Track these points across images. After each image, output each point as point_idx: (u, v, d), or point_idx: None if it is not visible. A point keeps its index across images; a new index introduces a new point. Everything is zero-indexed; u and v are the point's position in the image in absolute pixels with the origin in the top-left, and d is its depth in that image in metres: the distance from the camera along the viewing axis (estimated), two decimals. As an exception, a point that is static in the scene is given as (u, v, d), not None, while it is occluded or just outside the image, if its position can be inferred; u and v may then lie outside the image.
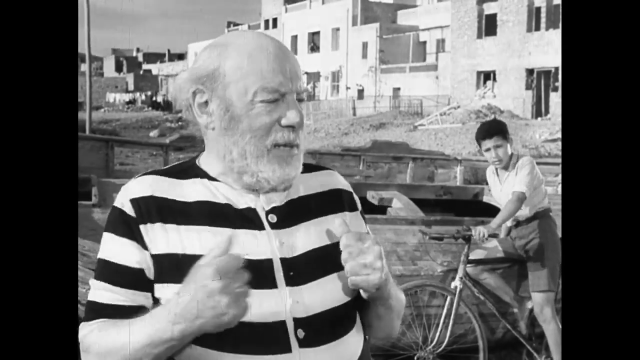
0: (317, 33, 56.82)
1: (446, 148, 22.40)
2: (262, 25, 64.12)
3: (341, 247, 1.40)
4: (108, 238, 1.44)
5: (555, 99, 34.80)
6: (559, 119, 31.52)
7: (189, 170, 1.51)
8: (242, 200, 1.47)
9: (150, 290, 1.41)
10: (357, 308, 1.57)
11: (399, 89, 46.75)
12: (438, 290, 4.78)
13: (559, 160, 10.61)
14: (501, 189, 4.78)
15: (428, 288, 4.80)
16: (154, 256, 1.41)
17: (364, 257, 1.39)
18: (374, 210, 5.77)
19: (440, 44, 47.43)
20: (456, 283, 4.68)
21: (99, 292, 1.42)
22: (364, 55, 50.73)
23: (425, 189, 6.92)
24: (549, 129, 25.52)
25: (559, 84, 34.86)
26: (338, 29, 53.93)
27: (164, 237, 1.42)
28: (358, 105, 47.62)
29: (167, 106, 51.93)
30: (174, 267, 1.39)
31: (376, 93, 48.37)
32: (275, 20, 62.23)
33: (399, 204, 5.80)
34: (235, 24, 75.25)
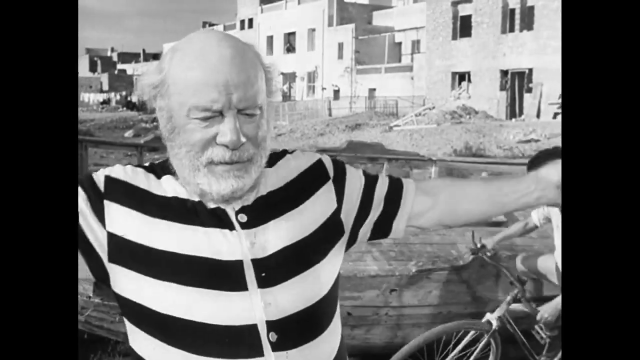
0: (293, 33, 56.79)
1: (421, 149, 22.50)
2: (238, 25, 63.94)
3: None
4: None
5: (530, 100, 35.10)
6: (533, 120, 31.81)
7: (164, 169, 1.48)
8: (211, 202, 1.44)
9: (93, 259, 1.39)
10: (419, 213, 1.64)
11: (374, 89, 46.88)
12: (474, 328, 4.52)
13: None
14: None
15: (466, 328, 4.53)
16: (110, 235, 1.37)
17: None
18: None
19: (416, 45, 47.66)
20: (494, 321, 4.41)
21: None
22: (340, 56, 50.81)
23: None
24: (523, 130, 25.74)
25: (532, 85, 35.16)
26: (314, 30, 53.96)
27: (130, 223, 1.39)
28: (334, 106, 47.69)
29: (142, 106, 51.63)
30: (136, 256, 1.37)
31: (352, 94, 48.46)
32: (251, 20, 62.09)
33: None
34: (211, 24, 75.01)
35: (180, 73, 1.36)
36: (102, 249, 1.37)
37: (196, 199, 1.43)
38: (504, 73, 36.94)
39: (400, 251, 5.19)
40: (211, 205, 1.42)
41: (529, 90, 35.44)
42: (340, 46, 50.80)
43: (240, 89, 1.35)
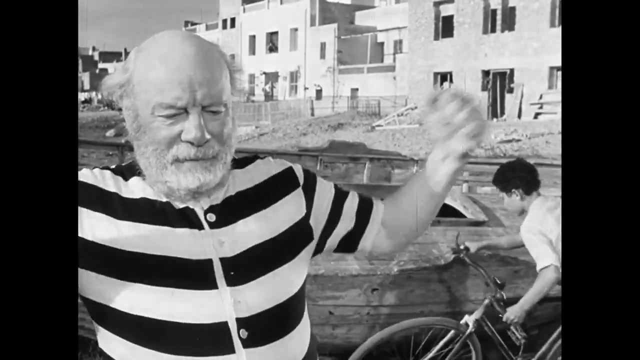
0: (275, 33, 56.74)
1: (403, 149, 22.56)
2: (220, 25, 63.81)
3: (447, 101, 1.46)
4: None
5: (511, 100, 35.29)
6: (514, 120, 32.01)
7: (132, 170, 1.49)
8: (179, 202, 1.45)
9: None
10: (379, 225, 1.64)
11: (357, 89, 46.96)
12: (448, 327, 4.53)
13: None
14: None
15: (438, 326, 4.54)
16: (82, 241, 1.37)
17: (472, 103, 1.47)
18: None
19: (398, 45, 47.77)
20: (471, 323, 4.39)
21: None
22: (322, 56, 50.84)
23: (382, 189, 6.97)
24: (504, 130, 25.90)
25: (513, 85, 35.37)
26: (296, 29, 53.95)
27: (99, 227, 1.39)
28: (316, 106, 47.70)
29: (112, 104, 51.51)
30: (106, 259, 1.37)
31: (334, 93, 48.51)
32: (233, 20, 61.96)
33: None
34: (193, 23, 74.74)
35: (145, 72, 1.38)
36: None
37: (164, 199, 1.44)
38: (486, 73, 37.15)
39: (381, 252, 5.21)
40: (179, 205, 1.44)
41: (510, 90, 35.68)
42: (323, 46, 50.83)
43: (204, 86, 1.36)
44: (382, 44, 50.03)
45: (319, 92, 50.34)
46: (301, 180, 1.60)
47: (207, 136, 1.38)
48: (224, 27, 63.13)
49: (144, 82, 1.38)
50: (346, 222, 1.62)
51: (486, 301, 4.34)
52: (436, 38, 40.33)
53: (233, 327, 1.38)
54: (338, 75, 48.83)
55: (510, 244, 4.78)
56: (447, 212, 6.35)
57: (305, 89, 51.57)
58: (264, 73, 56.53)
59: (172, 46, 1.38)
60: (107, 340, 1.43)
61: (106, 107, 55.78)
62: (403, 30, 45.34)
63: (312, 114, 45.89)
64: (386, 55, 49.16)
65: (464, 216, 6.17)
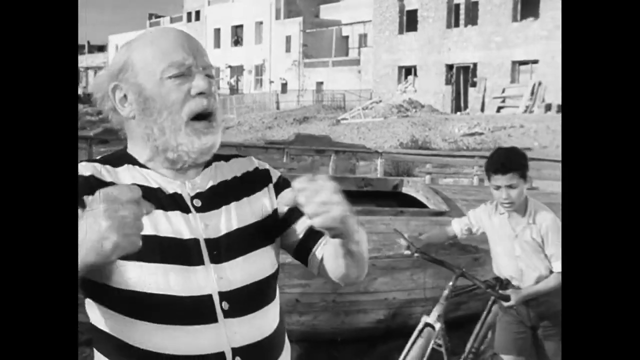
0: (240, 26, 56.55)
1: (368, 142, 22.72)
2: (185, 17, 63.37)
3: (297, 194, 1.37)
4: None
5: (474, 94, 35.66)
6: (478, 113, 32.34)
7: (122, 158, 1.62)
8: (169, 187, 1.59)
9: None
10: (321, 258, 1.68)
11: (322, 83, 47.04)
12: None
13: (477, 153, 10.98)
14: (515, 237, 3.82)
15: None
16: None
17: (320, 195, 1.37)
18: (298, 202, 5.94)
19: (363, 39, 47.93)
20: (437, 325, 4.13)
21: None
22: (288, 49, 50.81)
23: (347, 180, 7.10)
24: (467, 123, 26.19)
25: (477, 79, 35.73)
26: (261, 23, 53.83)
27: None
28: (281, 99, 47.69)
29: (87, 99, 50.80)
30: None
31: (299, 87, 48.55)
32: (198, 12, 61.58)
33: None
34: (157, 16, 74.11)
35: (146, 49, 1.57)
36: None
37: (155, 185, 1.58)
38: (449, 67, 37.48)
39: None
40: (169, 190, 1.59)
41: (474, 84, 36.01)
42: (288, 39, 50.80)
43: (200, 53, 1.59)
44: (347, 37, 50.15)
45: (284, 86, 50.33)
46: (274, 179, 1.75)
47: (213, 89, 1.58)
48: (189, 20, 62.70)
49: (148, 56, 1.56)
50: (296, 232, 1.71)
51: (445, 292, 4.21)
52: (400, 32, 40.56)
53: (216, 299, 1.53)
54: (303, 68, 48.85)
55: (443, 237, 4.57)
56: (410, 203, 6.53)
57: (271, 82, 51.52)
58: (229, 66, 56.31)
59: (161, 29, 1.62)
60: (100, 315, 1.55)
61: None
62: (368, 24, 45.52)
63: (278, 108, 45.88)
64: (351, 49, 49.31)
65: (426, 207, 6.34)
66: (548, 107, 31.00)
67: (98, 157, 1.67)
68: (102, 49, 78.02)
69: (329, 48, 48.73)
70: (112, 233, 1.23)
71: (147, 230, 1.48)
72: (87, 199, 1.48)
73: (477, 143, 22.18)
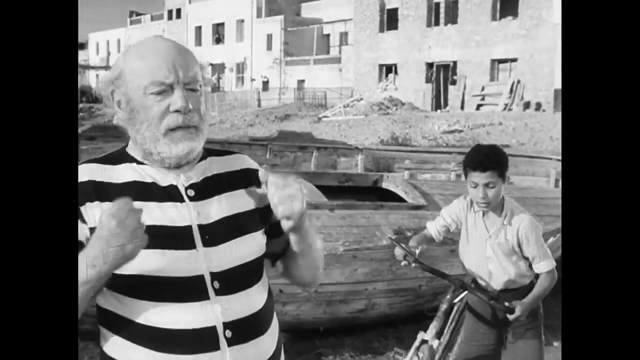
0: (222, 24, 56.47)
1: (349, 139, 22.84)
2: (166, 15, 63.17)
3: (268, 185, 1.67)
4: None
5: (454, 92, 35.91)
6: (457, 111, 32.59)
7: (121, 157, 1.81)
8: (165, 179, 1.78)
9: None
10: (282, 258, 1.92)
11: (303, 81, 47.15)
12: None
13: (456, 150, 11.17)
14: (489, 238, 3.63)
15: None
16: (92, 229, 1.65)
17: (288, 189, 1.66)
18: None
19: (344, 37, 48.06)
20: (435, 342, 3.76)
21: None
22: (269, 47, 50.85)
23: (329, 176, 7.27)
24: (447, 121, 26.42)
25: (457, 77, 35.99)
26: (242, 21, 53.82)
27: (99, 213, 1.65)
28: (263, 97, 47.76)
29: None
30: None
31: (281, 85, 48.63)
32: (179, 10, 61.40)
33: (304, 190, 6.16)
34: (138, 14, 73.77)
35: (136, 63, 1.73)
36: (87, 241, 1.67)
37: (149, 180, 1.77)
38: (430, 65, 37.69)
39: (328, 233, 5.54)
40: (164, 184, 1.77)
41: (454, 82, 36.25)
42: (269, 37, 50.84)
43: (184, 68, 1.73)
44: (328, 35, 50.25)
45: (265, 84, 50.35)
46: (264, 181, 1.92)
47: (190, 106, 1.72)
48: (170, 17, 62.53)
49: (136, 69, 1.72)
50: (275, 245, 1.92)
51: (443, 307, 3.84)
52: (381, 30, 40.72)
53: (208, 279, 1.71)
54: (284, 66, 48.94)
55: (423, 240, 3.99)
56: (389, 197, 6.73)
57: (252, 80, 51.54)
58: (211, 64, 56.17)
59: (156, 42, 1.77)
60: (106, 298, 1.73)
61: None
62: (349, 22, 45.64)
63: (259, 105, 45.91)
64: (332, 47, 49.40)
65: (405, 201, 6.54)
66: (527, 105, 31.32)
67: (99, 156, 1.86)
68: (82, 46, 77.51)
69: (310, 46, 48.83)
70: (129, 241, 1.53)
71: (145, 221, 1.65)
72: (85, 208, 1.69)
73: (456, 140, 22.38)
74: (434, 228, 3.96)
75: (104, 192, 1.73)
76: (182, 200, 1.76)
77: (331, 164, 10.98)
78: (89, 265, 1.55)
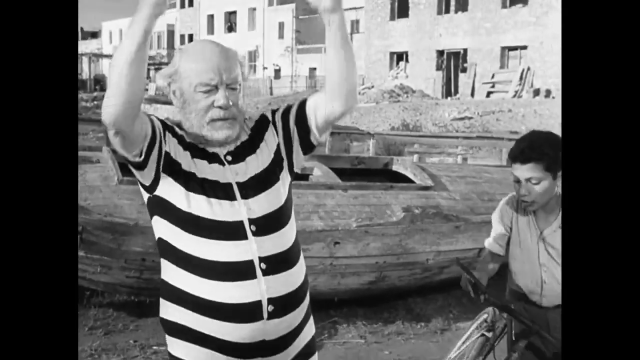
0: (234, 13, 56.54)
1: (361, 126, 23.02)
2: (178, 3, 63.24)
3: None
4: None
5: (464, 80, 35.94)
6: (468, 99, 32.65)
7: (179, 127, 2.28)
8: (210, 149, 2.25)
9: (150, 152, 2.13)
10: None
11: (315, 69, 47.30)
12: None
13: (462, 135, 11.48)
14: (542, 242, 3.08)
15: None
16: (167, 153, 2.15)
17: None
18: (298, 178, 6.51)
19: (355, 25, 47.99)
20: None
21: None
22: (281, 36, 50.97)
23: (342, 159, 7.57)
24: (457, 108, 26.55)
25: (467, 65, 36.03)
26: (254, 9, 53.91)
27: (175, 149, 2.18)
28: (275, 85, 47.95)
29: (82, 85, 50.83)
30: (175, 171, 2.16)
31: (293, 73, 48.80)
32: (191, -1, 61.64)
33: (319, 172, 6.56)
34: (150, 2, 73.57)
35: (189, 64, 2.18)
36: (162, 159, 2.17)
37: (201, 146, 2.24)
38: (440, 53, 37.56)
39: (342, 211, 5.97)
40: (210, 150, 2.24)
41: (464, 70, 36.12)
42: (281, 26, 50.95)
43: (227, 71, 2.16)
44: (339, 23, 50.21)
45: (277, 72, 50.53)
46: (270, 118, 2.37)
47: (230, 103, 2.17)
48: (182, 6, 62.57)
49: (188, 70, 2.17)
50: (295, 136, 2.34)
51: (515, 356, 3.14)
52: (392, 18, 40.51)
53: (246, 224, 2.17)
54: (296, 54, 49.07)
55: (491, 260, 3.34)
56: (399, 178, 7.14)
57: (264, 68, 51.72)
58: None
59: (204, 47, 2.22)
60: (164, 229, 2.21)
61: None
62: (360, 10, 45.65)
63: (271, 93, 46.08)
64: (343, 35, 49.36)
65: (414, 182, 6.96)
66: (536, 92, 31.40)
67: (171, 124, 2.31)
68: (95, 35, 77.77)
69: (322, 34, 47.70)
70: None
71: (201, 174, 2.18)
72: (168, 135, 2.18)
73: (466, 127, 22.58)
74: (493, 243, 3.27)
75: (179, 138, 2.22)
76: (223, 164, 2.22)
77: (344, 148, 11.27)
78: (139, 10, 1.94)
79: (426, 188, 6.71)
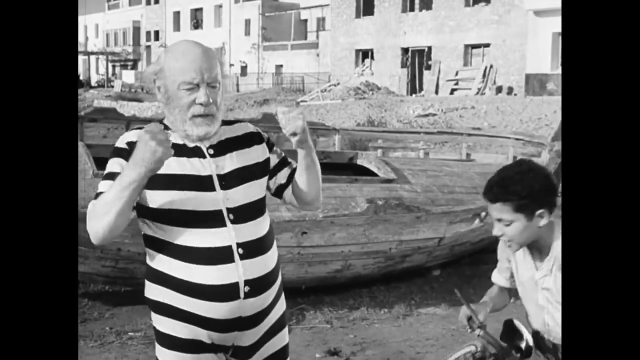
0: (200, 9, 56.29)
1: (327, 122, 23.06)
2: (144, 0, 62.87)
3: (278, 114, 2.35)
4: (111, 161, 2.34)
5: (429, 77, 36.28)
6: (432, 96, 32.90)
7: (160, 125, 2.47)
8: (191, 143, 2.42)
9: None
10: (287, 187, 2.54)
11: (281, 66, 47.22)
12: None
13: (424, 130, 11.77)
14: (536, 283, 2.73)
15: None
16: None
17: (292, 113, 2.33)
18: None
19: (321, 23, 48.01)
20: None
21: (100, 185, 2.29)
22: (247, 33, 50.79)
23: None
24: (422, 105, 26.75)
25: (431, 62, 36.37)
26: (220, 6, 53.63)
27: None
28: (241, 82, 47.86)
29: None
30: (148, 182, 2.22)
31: (259, 70, 48.74)
32: (157, -5, 61.18)
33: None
34: (115, -2, 73.14)
35: (173, 63, 2.33)
36: None
37: (181, 142, 2.42)
38: (405, 51, 37.75)
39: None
40: (191, 145, 2.43)
41: (428, 67, 36.36)
42: (247, 22, 50.76)
43: (208, 71, 2.31)
44: (305, 21, 50.23)
45: (244, 69, 50.35)
46: (265, 139, 2.56)
47: (210, 100, 2.32)
48: (148, 3, 61.98)
49: (173, 69, 2.32)
50: (281, 178, 2.57)
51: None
52: (357, 16, 40.58)
53: (225, 213, 2.34)
54: (263, 52, 48.99)
55: (501, 296, 3.00)
56: (363, 172, 7.41)
57: (231, 65, 51.50)
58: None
59: (188, 47, 2.37)
60: (149, 226, 2.39)
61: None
62: (325, 7, 45.69)
63: (238, 90, 45.95)
64: (309, 32, 49.37)
65: (377, 176, 7.25)
66: (499, 89, 31.87)
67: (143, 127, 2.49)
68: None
69: (288, 31, 48.86)
70: (159, 147, 2.10)
71: (177, 171, 2.35)
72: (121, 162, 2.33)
73: (430, 124, 22.80)
74: (498, 276, 3.00)
75: None
76: (204, 157, 2.38)
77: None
78: (131, 168, 2.14)
79: (389, 181, 6.99)
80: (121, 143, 2.40)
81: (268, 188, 2.59)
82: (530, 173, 2.56)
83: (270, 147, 2.59)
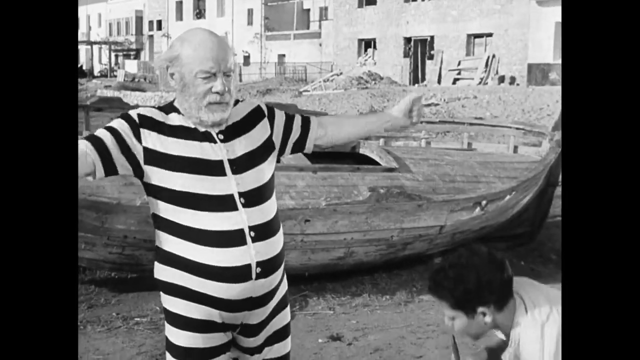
0: (202, -1, 56.59)
1: (330, 112, 23.22)
2: (146, -10, 62.83)
3: (411, 102, 2.68)
4: (118, 120, 2.42)
5: (431, 67, 36.27)
6: (434, 85, 32.93)
7: (171, 108, 2.51)
8: (202, 128, 2.44)
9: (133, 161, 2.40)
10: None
11: (284, 55, 47.20)
12: None
13: (426, 120, 11.80)
14: None
15: None
16: (145, 148, 2.37)
17: (422, 105, 2.71)
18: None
19: (324, 12, 47.89)
20: None
21: (99, 131, 2.38)
22: (250, 22, 50.70)
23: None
24: (424, 95, 26.87)
25: (434, 52, 36.36)
26: (223, -5, 53.85)
27: (155, 141, 2.38)
28: (244, 72, 47.75)
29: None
30: (159, 159, 2.37)
31: (262, 60, 48.72)
32: (159, -15, 61.06)
33: (290, 155, 6.91)
34: (117, -12, 72.93)
35: (190, 52, 2.38)
36: (139, 156, 2.43)
37: (192, 126, 2.49)
38: (407, 40, 37.72)
39: (312, 192, 6.31)
40: (202, 129, 2.49)
41: (431, 57, 36.34)
42: (250, 12, 50.66)
43: (224, 60, 2.39)
44: (308, 10, 50.04)
45: (246, 58, 50.32)
46: (265, 113, 2.62)
47: (226, 89, 2.39)
48: (150, -8, 62.26)
49: (190, 57, 2.37)
50: (296, 133, 2.69)
51: None
52: (360, 6, 40.57)
53: (236, 197, 2.40)
54: (265, 41, 48.99)
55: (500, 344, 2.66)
56: (365, 161, 7.48)
57: (234, 55, 51.40)
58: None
59: (205, 37, 2.41)
60: (158, 207, 2.46)
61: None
62: (328, -3, 45.76)
63: (240, 80, 45.83)
64: (312, 22, 49.23)
65: (379, 164, 7.34)
66: (501, 79, 31.88)
67: (157, 106, 2.59)
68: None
69: (291, 21, 48.79)
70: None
71: (189, 154, 2.42)
72: (144, 131, 2.43)
73: (432, 113, 22.87)
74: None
75: (159, 127, 2.43)
76: (215, 142, 2.44)
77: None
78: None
79: (391, 170, 7.07)
80: (134, 113, 2.48)
81: (283, 149, 2.67)
82: (465, 270, 2.35)
83: (272, 116, 2.65)
